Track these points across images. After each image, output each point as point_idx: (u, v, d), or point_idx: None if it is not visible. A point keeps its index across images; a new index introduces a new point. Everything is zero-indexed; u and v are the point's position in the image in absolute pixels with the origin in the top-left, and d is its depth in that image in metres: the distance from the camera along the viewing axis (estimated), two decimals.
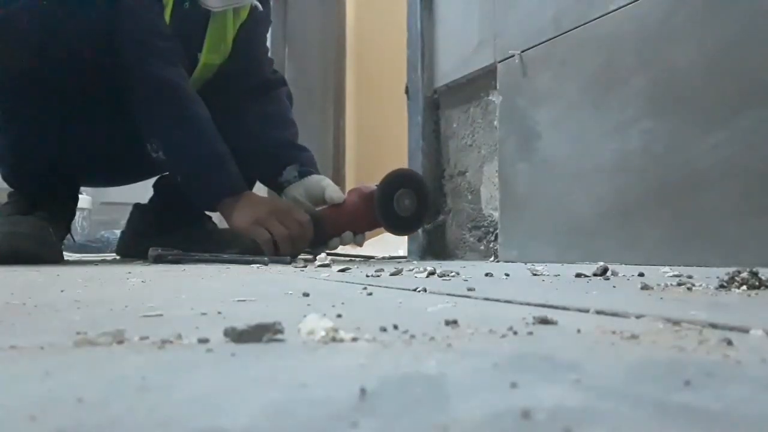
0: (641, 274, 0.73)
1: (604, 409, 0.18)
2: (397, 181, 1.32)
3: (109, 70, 1.27)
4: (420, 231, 1.55)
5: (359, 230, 1.36)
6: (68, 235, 1.50)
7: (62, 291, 0.61)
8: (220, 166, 1.29)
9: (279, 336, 0.29)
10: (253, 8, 1.47)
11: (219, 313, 0.40)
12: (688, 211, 0.97)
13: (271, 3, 1.58)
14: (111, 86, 1.29)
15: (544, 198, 1.26)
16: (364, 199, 1.33)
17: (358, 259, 1.45)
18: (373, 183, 1.35)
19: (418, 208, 1.33)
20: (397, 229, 1.35)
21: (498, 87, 1.40)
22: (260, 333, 0.29)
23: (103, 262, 1.51)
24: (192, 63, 1.41)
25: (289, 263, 1.15)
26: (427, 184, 1.41)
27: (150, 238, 1.43)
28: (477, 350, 0.28)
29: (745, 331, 0.30)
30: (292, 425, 0.16)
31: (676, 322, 0.33)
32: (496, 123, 1.42)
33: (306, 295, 0.51)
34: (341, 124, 3.10)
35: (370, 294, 0.53)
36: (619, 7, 1.10)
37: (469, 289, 0.55)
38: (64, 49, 1.24)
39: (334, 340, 0.29)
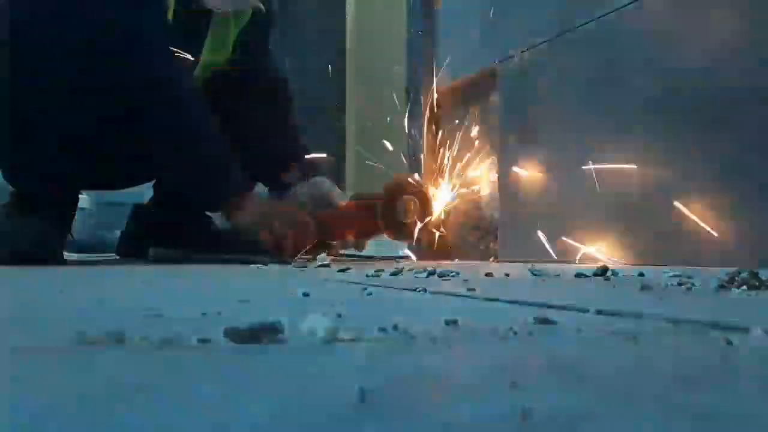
0: (641, 274, 0.73)
1: (604, 409, 0.18)
2: (399, 187, 1.32)
3: (110, 70, 1.26)
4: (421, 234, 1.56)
5: (361, 235, 1.36)
6: (68, 235, 1.50)
7: (62, 291, 0.61)
8: (222, 166, 1.29)
9: (279, 336, 0.29)
10: (256, 10, 1.47)
11: (219, 313, 0.40)
12: (688, 211, 0.97)
13: (275, 5, 1.58)
14: (112, 86, 1.29)
15: (544, 198, 1.26)
16: (366, 205, 1.33)
17: (357, 259, 1.45)
18: (374, 186, 1.35)
19: (421, 214, 1.33)
20: (399, 235, 1.35)
21: (498, 87, 1.40)
22: (260, 333, 0.29)
23: (103, 262, 1.51)
24: (193, 63, 1.40)
25: (290, 264, 1.15)
26: (429, 189, 1.41)
27: (150, 238, 1.43)
28: (477, 350, 0.28)
29: (745, 331, 0.30)
30: (293, 425, 0.16)
31: (676, 322, 0.33)
32: (496, 123, 1.42)
33: (306, 295, 0.51)
34: (341, 125, 3.11)
35: (370, 294, 0.53)
36: (620, 7, 1.10)
37: (469, 289, 0.55)
38: (65, 48, 1.24)
39: (334, 340, 0.29)
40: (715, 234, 0.92)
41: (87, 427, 0.16)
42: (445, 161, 1.62)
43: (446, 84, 1.60)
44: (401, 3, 1.77)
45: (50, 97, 1.29)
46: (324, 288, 0.63)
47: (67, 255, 1.58)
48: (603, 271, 0.74)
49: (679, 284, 0.57)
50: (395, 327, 0.32)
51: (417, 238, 1.49)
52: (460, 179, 1.56)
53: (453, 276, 0.75)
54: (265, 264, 1.13)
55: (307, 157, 1.48)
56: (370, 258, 1.48)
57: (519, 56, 1.32)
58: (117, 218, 1.90)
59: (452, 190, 1.58)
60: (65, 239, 1.48)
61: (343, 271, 0.91)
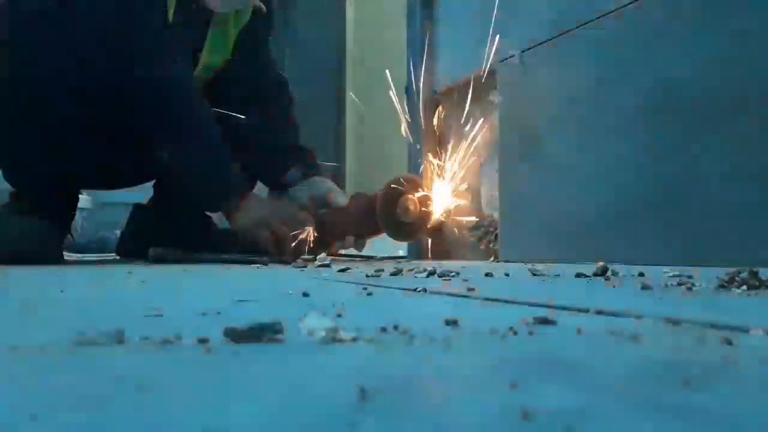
0: (641, 274, 0.73)
1: (604, 409, 0.18)
2: (400, 186, 1.32)
3: (111, 70, 1.26)
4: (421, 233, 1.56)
5: (361, 235, 1.36)
6: (68, 235, 1.50)
7: (62, 291, 0.61)
8: (222, 166, 1.29)
9: (279, 336, 0.29)
10: (256, 11, 1.47)
11: (219, 313, 0.40)
12: (688, 211, 0.97)
13: (275, 6, 1.58)
14: (113, 86, 1.29)
15: (544, 198, 1.26)
16: (366, 204, 1.33)
17: (358, 259, 1.45)
18: (374, 185, 1.35)
19: (421, 214, 1.33)
20: (399, 235, 1.35)
21: (498, 87, 1.40)
22: (260, 333, 0.29)
23: (103, 262, 1.51)
24: (193, 63, 1.40)
25: (290, 264, 1.15)
26: (429, 189, 1.41)
27: (150, 238, 1.43)
28: (477, 350, 0.28)
29: (745, 331, 0.30)
30: (292, 425, 0.16)
31: (676, 322, 0.33)
32: (496, 123, 1.42)
33: (306, 295, 0.51)
34: (341, 125, 3.11)
35: (370, 294, 0.53)
36: (619, 8, 1.10)
37: (469, 289, 0.55)
38: (65, 48, 1.24)
39: (334, 340, 0.29)
40: (716, 233, 0.92)
41: (87, 426, 0.16)
42: (445, 161, 1.62)
43: (446, 84, 1.60)
44: (401, 3, 1.77)
45: (50, 97, 1.29)
46: (324, 288, 0.63)
47: (67, 255, 1.58)
48: (603, 271, 0.74)
49: (679, 284, 0.57)
50: (395, 327, 0.32)
51: (417, 238, 1.49)
52: (460, 179, 1.56)
53: (453, 276, 0.75)
54: (265, 264, 1.13)
55: (312, 163, 1.49)
56: (370, 258, 1.49)
57: (519, 56, 1.32)
58: (117, 218, 1.91)
59: (452, 189, 1.58)
60: (65, 239, 1.48)
61: (343, 271, 0.91)
